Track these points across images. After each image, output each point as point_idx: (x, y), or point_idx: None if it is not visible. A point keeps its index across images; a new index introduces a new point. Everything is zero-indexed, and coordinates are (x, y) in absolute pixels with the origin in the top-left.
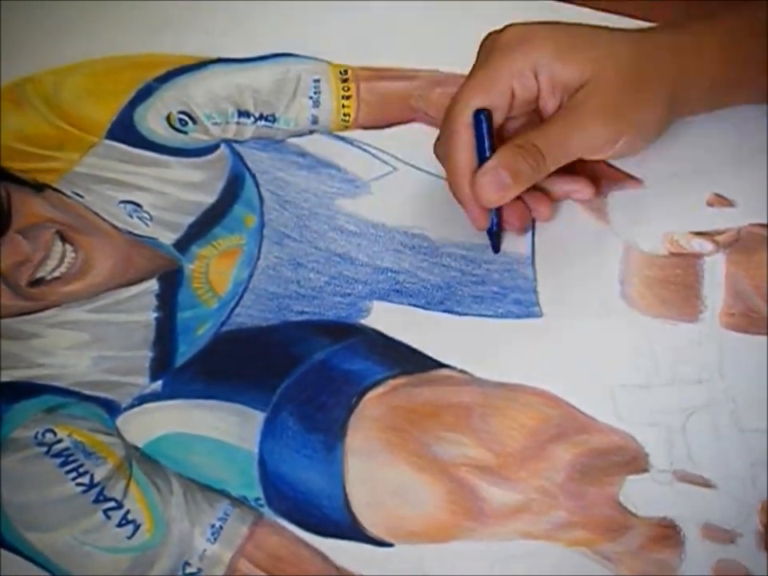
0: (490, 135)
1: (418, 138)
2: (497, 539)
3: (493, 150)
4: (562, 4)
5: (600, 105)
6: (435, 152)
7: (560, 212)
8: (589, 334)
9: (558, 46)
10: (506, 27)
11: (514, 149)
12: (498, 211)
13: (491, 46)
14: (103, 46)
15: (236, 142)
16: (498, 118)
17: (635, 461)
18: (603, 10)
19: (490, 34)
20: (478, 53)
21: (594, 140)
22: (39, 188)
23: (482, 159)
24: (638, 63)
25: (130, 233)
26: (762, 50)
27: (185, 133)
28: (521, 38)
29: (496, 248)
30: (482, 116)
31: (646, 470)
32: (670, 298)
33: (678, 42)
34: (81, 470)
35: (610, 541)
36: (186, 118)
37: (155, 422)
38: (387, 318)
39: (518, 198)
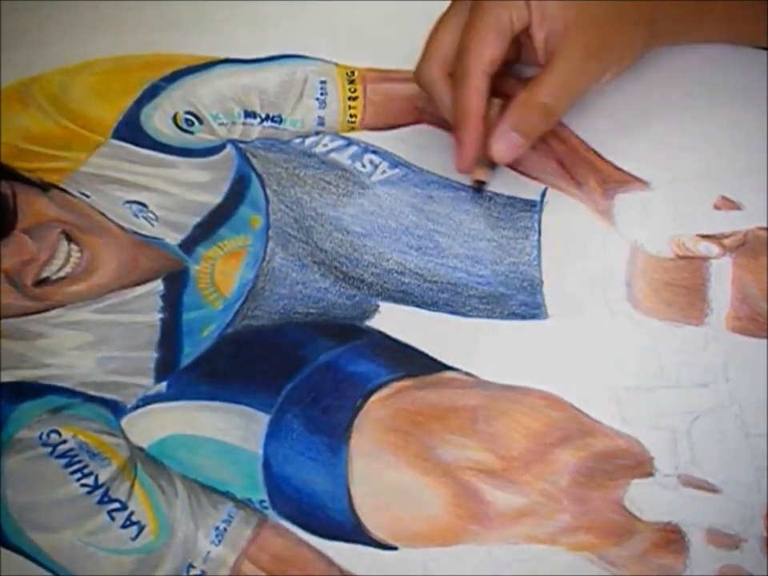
0: None
1: (424, 139)
2: (501, 543)
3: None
4: None
5: (589, 46)
6: (423, 77)
7: (566, 214)
8: (594, 336)
9: None
10: None
11: (522, 109)
12: None
13: None
14: (110, 46)
15: (242, 142)
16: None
17: (640, 465)
18: None
19: None
20: None
21: (588, 81)
22: (45, 188)
23: None
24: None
25: (136, 233)
26: None
27: (191, 133)
28: None
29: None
30: None
31: (651, 474)
32: (676, 300)
33: None
34: (85, 470)
35: (615, 545)
36: (193, 118)
37: (160, 424)
38: (393, 320)
39: None
